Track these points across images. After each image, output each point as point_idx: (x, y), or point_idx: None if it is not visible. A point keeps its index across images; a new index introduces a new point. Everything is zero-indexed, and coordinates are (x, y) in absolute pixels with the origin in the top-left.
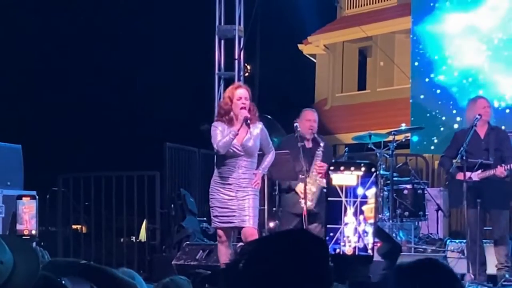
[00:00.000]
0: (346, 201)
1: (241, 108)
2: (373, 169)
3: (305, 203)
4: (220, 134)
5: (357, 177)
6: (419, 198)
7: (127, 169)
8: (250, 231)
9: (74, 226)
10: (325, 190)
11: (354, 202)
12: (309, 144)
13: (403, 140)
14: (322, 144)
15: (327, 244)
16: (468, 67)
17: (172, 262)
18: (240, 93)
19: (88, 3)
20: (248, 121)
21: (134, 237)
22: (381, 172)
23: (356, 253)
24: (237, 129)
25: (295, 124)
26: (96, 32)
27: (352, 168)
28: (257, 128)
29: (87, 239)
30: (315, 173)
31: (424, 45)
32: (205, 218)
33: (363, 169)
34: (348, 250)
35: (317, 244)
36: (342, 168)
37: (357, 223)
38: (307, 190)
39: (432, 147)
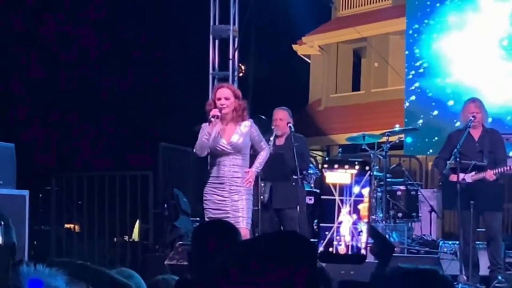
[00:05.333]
0: (340, 199)
1: (218, 108)
2: (367, 167)
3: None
4: (203, 134)
5: (351, 175)
6: (413, 200)
7: (120, 169)
8: (243, 232)
9: (67, 225)
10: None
11: (349, 200)
12: (280, 142)
13: (397, 141)
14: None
15: (315, 246)
16: (464, 69)
17: (165, 262)
18: (220, 93)
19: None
20: (212, 119)
21: (127, 237)
22: (375, 173)
23: (349, 252)
24: (210, 130)
25: (289, 125)
26: (91, 32)
27: (346, 166)
28: (246, 125)
29: (80, 238)
30: None
31: (419, 46)
32: (198, 218)
33: (357, 167)
34: (341, 249)
35: (305, 247)
36: (336, 166)
37: (353, 221)
38: (261, 184)
39: (426, 149)
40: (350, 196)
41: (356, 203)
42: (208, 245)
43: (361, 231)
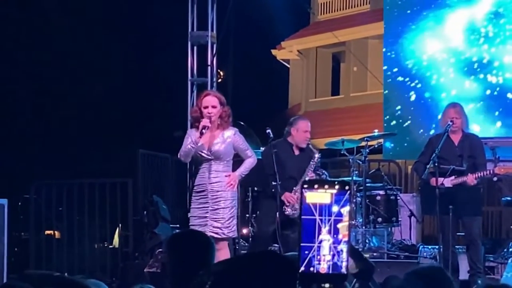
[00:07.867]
0: (320, 219)
1: (206, 117)
2: (347, 187)
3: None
4: (189, 142)
5: (331, 195)
6: (392, 204)
7: (100, 176)
8: (221, 244)
9: (47, 232)
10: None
11: (329, 220)
12: (296, 152)
13: (376, 146)
14: (317, 156)
15: (295, 267)
16: (442, 72)
17: (145, 270)
18: (207, 101)
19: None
20: (204, 130)
21: (107, 243)
22: (354, 178)
23: (330, 272)
24: (197, 137)
25: (267, 131)
26: (70, 37)
27: (326, 186)
28: (229, 133)
29: (59, 245)
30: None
31: (397, 51)
32: (178, 225)
33: (337, 187)
34: (322, 268)
35: (285, 268)
36: (315, 186)
37: (333, 241)
38: (295, 198)
39: (405, 153)
40: (330, 215)
41: (337, 222)
42: (182, 256)
43: (342, 250)
